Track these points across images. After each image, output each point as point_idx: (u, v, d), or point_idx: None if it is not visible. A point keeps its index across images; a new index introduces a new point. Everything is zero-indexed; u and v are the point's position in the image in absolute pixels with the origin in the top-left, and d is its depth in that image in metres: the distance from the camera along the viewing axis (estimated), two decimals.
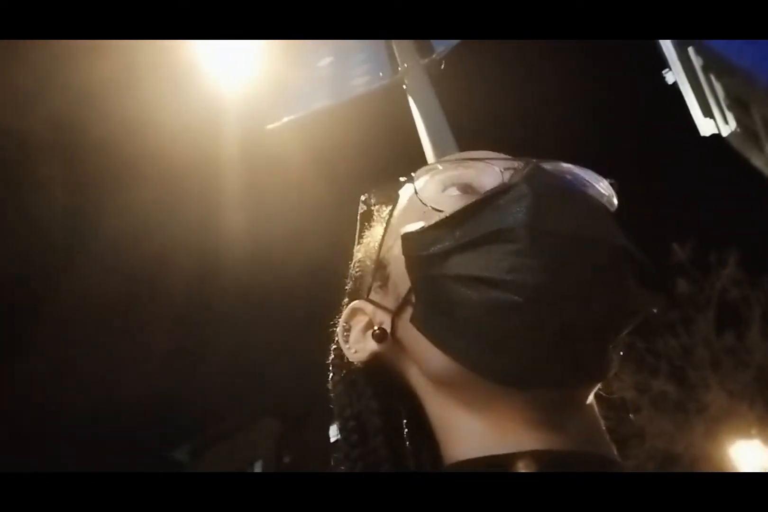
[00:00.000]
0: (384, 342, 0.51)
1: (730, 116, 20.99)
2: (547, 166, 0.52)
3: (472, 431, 0.46)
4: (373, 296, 0.54)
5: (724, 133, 22.88)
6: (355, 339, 0.53)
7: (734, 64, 17.66)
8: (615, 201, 0.54)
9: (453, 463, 0.47)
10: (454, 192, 0.51)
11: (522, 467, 0.43)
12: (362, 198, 0.58)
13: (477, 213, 0.47)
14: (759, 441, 8.98)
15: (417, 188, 0.52)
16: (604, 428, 0.49)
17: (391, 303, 0.52)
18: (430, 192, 0.52)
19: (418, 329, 0.48)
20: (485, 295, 0.44)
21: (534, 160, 0.51)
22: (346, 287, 0.59)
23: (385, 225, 0.55)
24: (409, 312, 0.49)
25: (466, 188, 0.51)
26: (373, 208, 0.58)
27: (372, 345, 0.52)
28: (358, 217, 0.59)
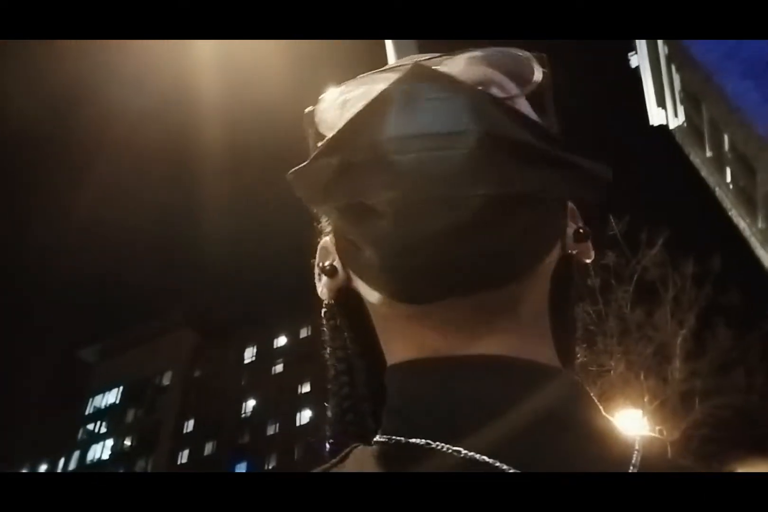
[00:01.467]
0: (335, 277, 0.52)
1: (680, 110, 21.67)
2: (450, 59, 0.51)
3: (410, 346, 0.47)
4: (327, 232, 0.55)
5: (672, 126, 23.60)
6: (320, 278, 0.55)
7: (697, 60, 18.06)
8: (539, 74, 0.51)
9: (389, 365, 0.49)
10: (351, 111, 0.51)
11: (451, 367, 0.44)
12: (306, 110, 0.56)
13: (352, 131, 0.46)
14: (640, 411, 9.86)
15: (319, 118, 0.53)
16: (546, 332, 0.49)
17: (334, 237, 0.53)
18: (333, 116, 0.53)
19: (344, 261, 0.50)
20: (365, 220, 0.43)
21: (431, 59, 0.51)
22: (318, 225, 0.58)
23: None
24: (339, 245, 0.51)
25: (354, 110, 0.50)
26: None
27: (326, 282, 0.53)
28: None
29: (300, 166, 0.49)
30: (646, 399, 10.42)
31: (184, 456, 31.12)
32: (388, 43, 2.89)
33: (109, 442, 34.41)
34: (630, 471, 0.41)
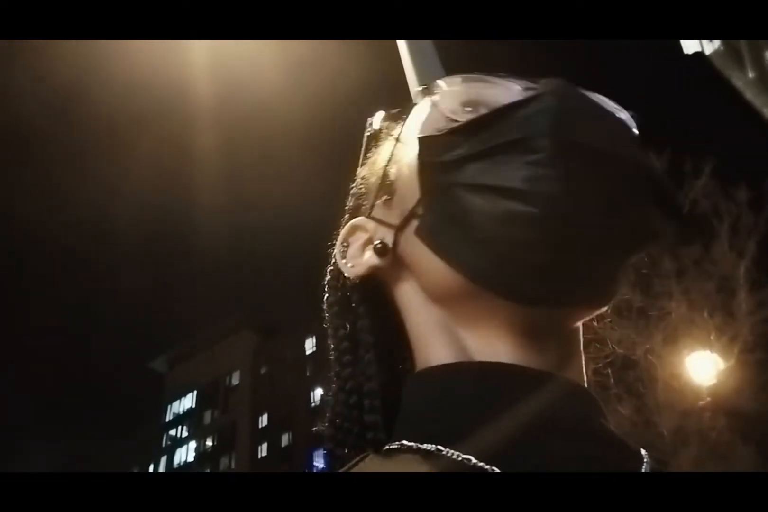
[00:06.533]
0: (385, 257, 0.50)
1: None
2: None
3: (454, 342, 0.46)
4: (375, 213, 0.53)
5: (707, 51, 22.45)
6: (353, 255, 0.52)
7: None
8: (636, 132, 0.51)
9: (424, 368, 0.47)
10: (467, 109, 0.50)
11: (491, 378, 0.44)
12: (369, 121, 0.57)
13: (499, 121, 0.45)
14: (711, 352, 9.40)
15: (435, 98, 0.51)
16: (581, 353, 0.50)
17: (394, 218, 0.50)
18: (448, 104, 0.51)
19: (423, 241, 0.47)
20: (499, 205, 0.42)
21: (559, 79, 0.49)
22: (347, 206, 0.57)
23: (395, 139, 0.54)
24: (414, 225, 0.48)
25: (480, 107, 0.49)
26: (382, 127, 0.56)
27: (371, 260, 0.51)
28: (365, 140, 0.58)
29: (434, 133, 0.49)
30: (712, 337, 9.85)
31: (263, 450, 31.99)
32: (401, 44, 2.75)
33: (192, 445, 35.69)
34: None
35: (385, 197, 0.52)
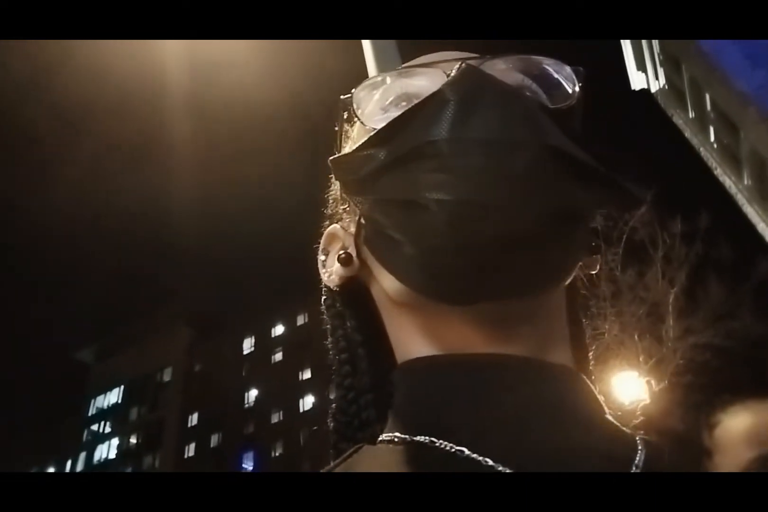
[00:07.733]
0: (350, 265, 0.51)
1: (661, 73, 21.67)
2: (490, 62, 0.49)
3: (429, 337, 0.47)
4: (343, 220, 0.54)
5: (653, 89, 23.66)
6: (330, 264, 0.54)
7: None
8: (577, 89, 0.50)
9: (403, 362, 0.49)
10: (401, 105, 0.49)
11: (472, 365, 0.45)
12: (344, 116, 0.55)
13: (403, 127, 0.44)
14: (637, 373, 9.94)
15: (357, 106, 0.50)
16: (566, 335, 0.50)
17: (353, 226, 0.52)
18: (374, 108, 0.50)
19: (369, 250, 0.49)
20: (412, 217, 0.42)
21: (470, 60, 0.48)
22: (327, 211, 0.58)
23: (347, 143, 0.55)
24: (363, 234, 0.50)
25: (412, 99, 0.48)
26: (343, 129, 0.56)
27: (339, 270, 0.52)
28: (338, 137, 0.57)
29: (343, 153, 0.49)
30: (641, 359, 10.47)
31: (191, 450, 31.26)
32: (366, 43, 2.79)
33: (115, 441, 34.52)
34: (633, 470, 0.41)
35: (346, 205, 0.54)
